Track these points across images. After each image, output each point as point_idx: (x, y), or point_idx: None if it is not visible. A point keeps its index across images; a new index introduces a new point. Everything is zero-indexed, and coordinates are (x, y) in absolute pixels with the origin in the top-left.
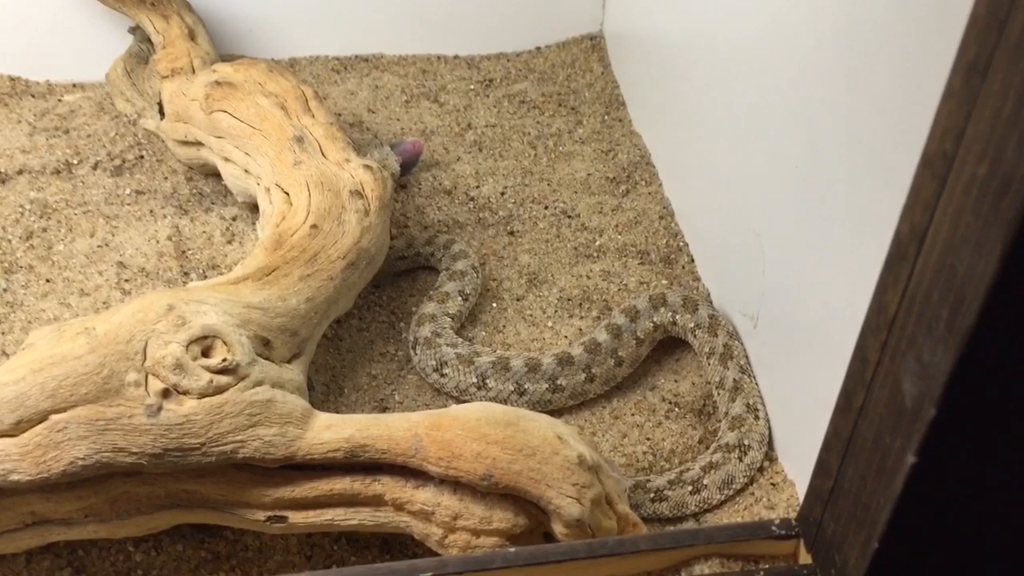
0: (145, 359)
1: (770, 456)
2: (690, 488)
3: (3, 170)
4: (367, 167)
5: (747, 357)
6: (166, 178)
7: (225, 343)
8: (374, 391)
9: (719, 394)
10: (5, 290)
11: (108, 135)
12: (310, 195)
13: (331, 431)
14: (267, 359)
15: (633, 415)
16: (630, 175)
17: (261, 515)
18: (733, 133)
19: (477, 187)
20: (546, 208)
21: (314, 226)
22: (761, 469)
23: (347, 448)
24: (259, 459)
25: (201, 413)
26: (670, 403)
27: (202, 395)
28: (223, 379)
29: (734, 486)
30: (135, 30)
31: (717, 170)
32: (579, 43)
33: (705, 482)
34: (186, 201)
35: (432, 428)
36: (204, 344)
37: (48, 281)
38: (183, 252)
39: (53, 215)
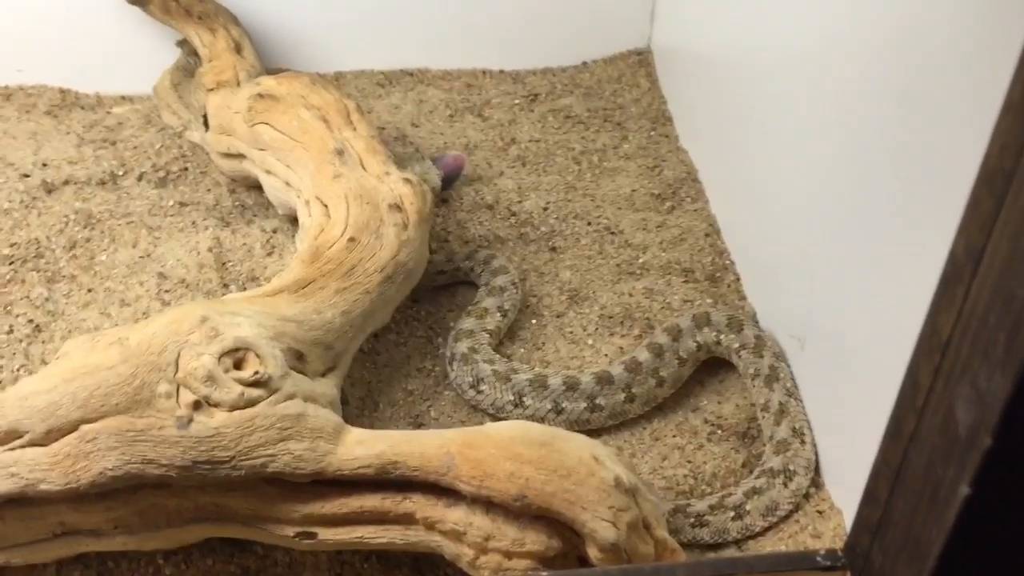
0: (177, 370)
1: (816, 483)
2: (732, 514)
3: (50, 180)
4: (406, 180)
5: (793, 379)
6: (209, 190)
7: (258, 356)
8: (409, 407)
9: (764, 417)
10: (47, 299)
11: (154, 147)
12: (348, 208)
13: (362, 447)
14: (301, 372)
15: (674, 437)
16: (676, 191)
17: (290, 531)
18: (781, 149)
19: (519, 202)
20: (589, 224)
21: (352, 239)
22: (807, 496)
23: (378, 464)
24: (289, 474)
25: (232, 426)
26: (713, 425)
27: (233, 408)
28: (255, 392)
29: (778, 513)
30: (183, 43)
31: (765, 186)
32: (626, 58)
33: (748, 508)
34: (228, 213)
35: (465, 446)
36: (237, 356)
37: (90, 291)
38: (223, 264)
39: (97, 225)
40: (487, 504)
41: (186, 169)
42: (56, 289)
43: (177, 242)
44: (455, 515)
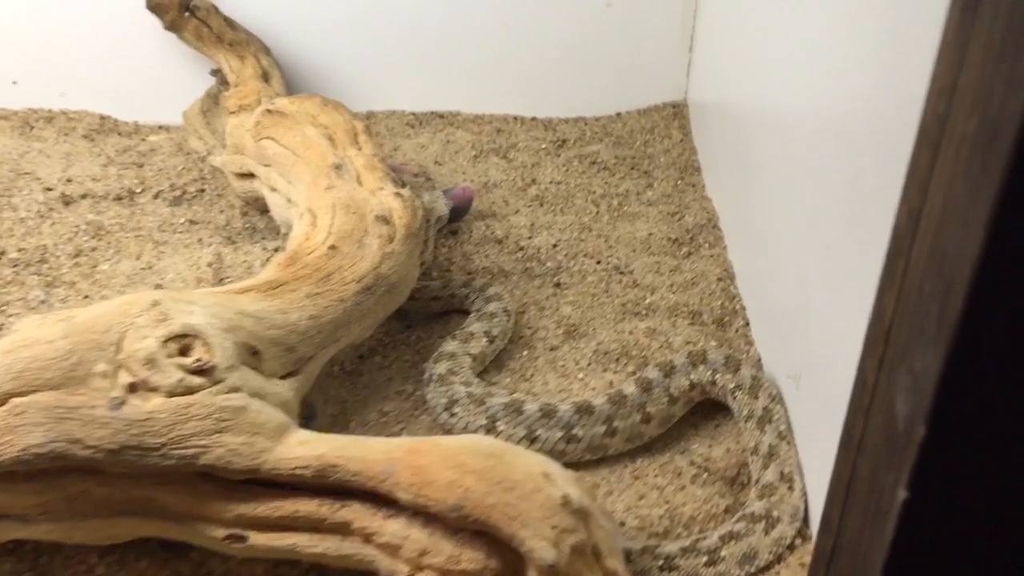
0: (120, 352)
1: (804, 533)
2: (705, 559)
3: (70, 194)
4: (397, 195)
5: (788, 423)
6: (222, 211)
7: (206, 344)
8: (382, 428)
9: (753, 460)
10: (43, 302)
11: (176, 170)
12: (334, 217)
13: (303, 447)
14: (255, 369)
15: (655, 476)
16: (694, 237)
17: (221, 532)
18: (792, 200)
19: (529, 238)
20: (598, 263)
21: (332, 247)
22: (791, 547)
23: (317, 467)
24: (222, 468)
25: (166, 412)
26: (699, 467)
27: (171, 393)
28: (195, 380)
29: (757, 562)
30: (216, 72)
31: (776, 234)
32: (661, 110)
33: (723, 554)
34: (236, 233)
35: (409, 452)
36: (184, 343)
37: (86, 297)
38: (221, 279)
39: (105, 236)
40: (427, 517)
41: (203, 191)
42: (53, 294)
43: (180, 257)
44: (393, 527)
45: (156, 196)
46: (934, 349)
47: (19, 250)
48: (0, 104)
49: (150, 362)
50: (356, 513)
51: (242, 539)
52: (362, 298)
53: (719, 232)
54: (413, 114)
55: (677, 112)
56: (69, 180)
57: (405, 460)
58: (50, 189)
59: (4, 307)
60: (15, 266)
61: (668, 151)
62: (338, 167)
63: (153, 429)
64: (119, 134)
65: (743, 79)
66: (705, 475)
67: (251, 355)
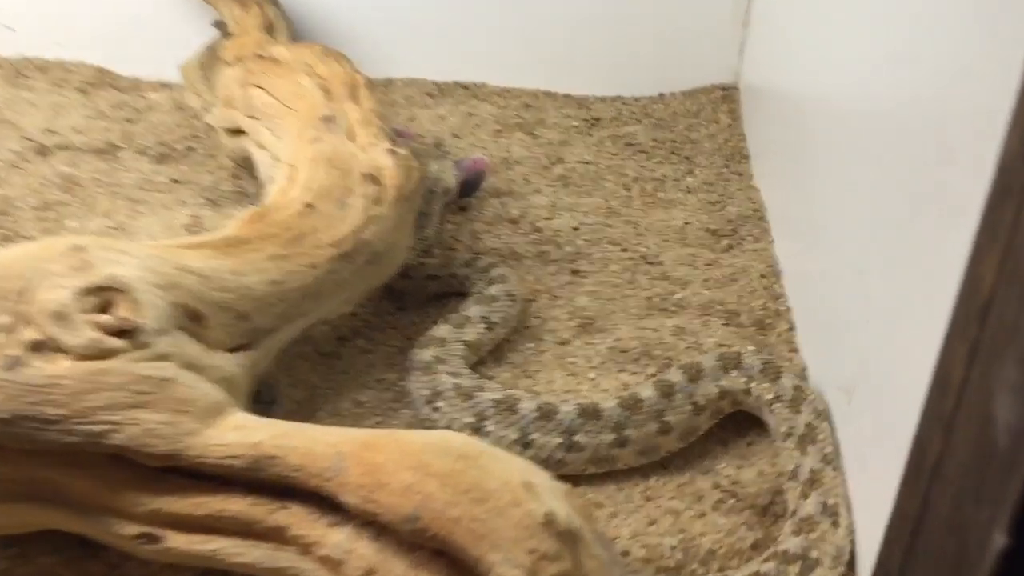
0: (27, 302)
1: None
2: None
3: (46, 144)
4: (391, 152)
5: (835, 445)
6: (211, 172)
7: (134, 301)
8: (354, 420)
9: (791, 487)
10: None
11: (167, 126)
12: (315, 171)
13: (237, 433)
14: (194, 337)
15: (671, 499)
16: (736, 229)
17: (133, 528)
18: (852, 195)
19: (548, 219)
20: (624, 251)
21: (308, 204)
22: None
23: (251, 457)
24: (135, 450)
25: (73, 378)
26: (725, 491)
27: (82, 356)
28: (114, 342)
29: None
30: (220, 24)
31: (832, 231)
32: (709, 92)
33: None
34: (223, 196)
35: (363, 447)
36: (107, 298)
37: None
38: None
39: (78, 191)
40: (378, 528)
41: (193, 149)
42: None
43: (156, 217)
44: (336, 537)
45: (140, 152)
46: None
47: None
48: None
49: (60, 316)
50: (295, 517)
51: (156, 539)
52: (338, 266)
53: (765, 225)
54: (435, 83)
55: (727, 95)
56: (51, 131)
57: (357, 456)
58: (28, 139)
59: None
60: None
61: (714, 136)
62: (328, 119)
63: (54, 398)
64: (116, 88)
65: (805, 61)
66: (731, 501)
67: (191, 319)
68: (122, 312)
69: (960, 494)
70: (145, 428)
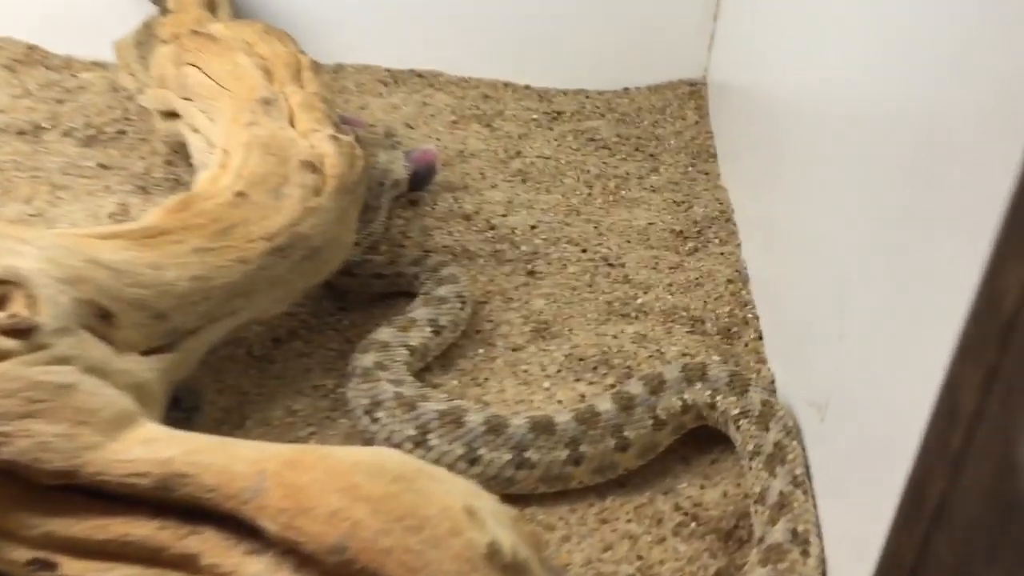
0: None
1: None
2: None
3: None
4: (334, 138)
5: (806, 466)
6: (143, 158)
7: (31, 297)
8: (285, 431)
9: (757, 511)
10: None
11: (97, 107)
12: (248, 157)
13: (146, 448)
14: (102, 337)
15: (629, 522)
16: (703, 231)
17: (24, 554)
18: (825, 198)
19: (503, 216)
20: (584, 252)
21: (240, 193)
22: None
23: (159, 475)
24: (26, 466)
25: None
26: (686, 514)
27: None
28: (6, 342)
29: None
30: (158, 1)
31: (804, 235)
32: (675, 88)
33: None
34: (154, 184)
35: (287, 466)
36: (1, 292)
37: None
38: None
39: None
40: (301, 559)
41: (124, 132)
42: None
43: (80, 204)
44: (253, 568)
45: (66, 134)
46: None
47: None
48: None
49: None
50: (208, 543)
51: (50, 566)
52: (271, 261)
53: (733, 227)
54: (388, 71)
55: (694, 91)
56: None
57: (279, 476)
58: None
59: None
60: None
61: (680, 133)
62: (267, 102)
63: None
64: (46, 67)
65: (778, 56)
66: (693, 525)
67: (99, 318)
68: (16, 308)
69: (969, 546)
70: (39, 441)
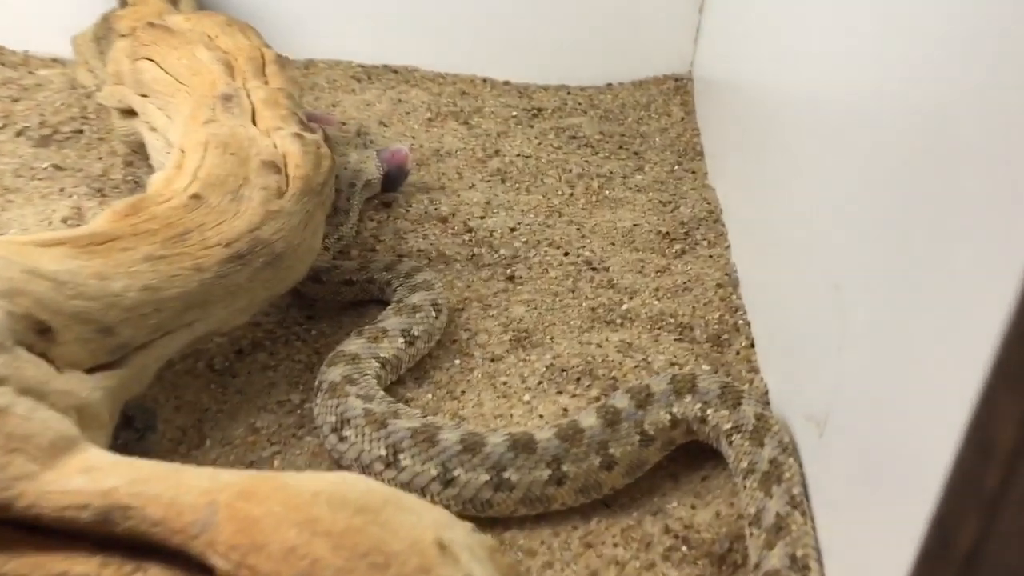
0: None
1: None
2: None
3: None
4: (298, 136)
5: (804, 484)
6: (100, 159)
7: None
8: (247, 450)
9: (752, 534)
10: None
11: (53, 105)
12: (204, 157)
13: (86, 477)
14: (40, 355)
15: (615, 546)
16: (690, 232)
17: None
18: (820, 198)
19: (482, 218)
20: (566, 255)
21: (195, 195)
22: None
23: (100, 508)
24: None
25: None
26: (676, 537)
27: None
28: None
29: None
30: None
31: (798, 237)
32: (660, 83)
33: None
34: (112, 187)
35: (240, 496)
36: None
37: None
38: None
39: None
40: None
41: (81, 132)
42: None
43: (33, 208)
44: None
45: (19, 134)
46: None
47: None
48: None
49: None
50: None
51: None
52: (230, 268)
53: (721, 228)
54: (362, 66)
55: (680, 87)
56: None
57: (231, 508)
58: None
59: None
60: None
61: (665, 131)
62: (227, 98)
63: None
64: (2, 64)
65: (766, 51)
66: (684, 549)
67: (37, 333)
68: None
69: None
70: None
